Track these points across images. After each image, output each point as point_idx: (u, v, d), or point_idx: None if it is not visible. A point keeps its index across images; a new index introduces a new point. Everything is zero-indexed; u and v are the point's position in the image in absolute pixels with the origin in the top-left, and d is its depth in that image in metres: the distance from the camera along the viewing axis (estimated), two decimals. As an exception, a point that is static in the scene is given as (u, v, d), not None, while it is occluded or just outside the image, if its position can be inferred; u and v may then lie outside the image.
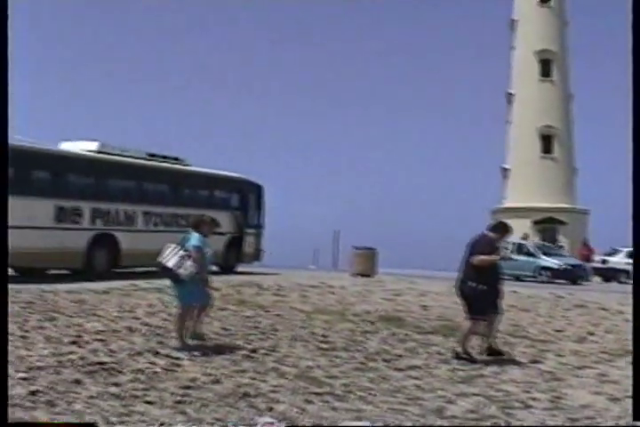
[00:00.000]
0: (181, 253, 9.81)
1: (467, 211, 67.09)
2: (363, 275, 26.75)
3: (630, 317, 14.02)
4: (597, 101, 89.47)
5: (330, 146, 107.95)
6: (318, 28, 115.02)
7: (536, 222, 50.05)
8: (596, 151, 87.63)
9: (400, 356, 10.40)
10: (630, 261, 30.38)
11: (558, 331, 13.82)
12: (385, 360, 10.01)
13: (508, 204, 52.30)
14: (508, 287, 24.20)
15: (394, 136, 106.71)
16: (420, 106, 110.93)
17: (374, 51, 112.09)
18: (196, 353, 9.56)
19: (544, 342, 12.33)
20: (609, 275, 35.62)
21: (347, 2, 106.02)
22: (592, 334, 13.70)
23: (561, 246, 42.98)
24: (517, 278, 30.84)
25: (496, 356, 10.52)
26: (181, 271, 9.72)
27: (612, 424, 7.55)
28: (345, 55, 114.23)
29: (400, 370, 9.44)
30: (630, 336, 11.19)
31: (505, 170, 53.60)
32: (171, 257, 9.82)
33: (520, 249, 32.85)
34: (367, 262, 27.98)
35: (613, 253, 36.71)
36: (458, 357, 10.22)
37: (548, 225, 50.41)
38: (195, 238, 10.00)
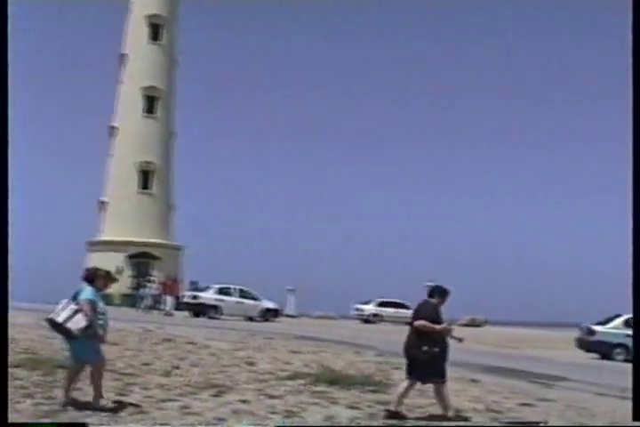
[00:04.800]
0: (72, 306, 9.16)
1: (60, 245, 67.30)
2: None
3: (215, 351, 16.34)
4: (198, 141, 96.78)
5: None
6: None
7: (131, 256, 50.06)
8: (194, 189, 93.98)
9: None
10: (221, 297, 36.13)
11: (145, 364, 13.84)
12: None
13: (104, 237, 51.55)
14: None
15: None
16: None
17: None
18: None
19: (131, 376, 12.24)
20: (199, 310, 36.45)
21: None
22: (178, 367, 13.77)
23: (152, 280, 42.93)
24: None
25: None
26: (70, 325, 9.03)
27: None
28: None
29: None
30: (214, 369, 13.37)
31: (103, 203, 52.63)
32: (61, 311, 9.15)
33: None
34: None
35: (205, 289, 38.08)
36: (390, 415, 9.78)
37: (142, 259, 50.46)
38: (87, 292, 9.35)
